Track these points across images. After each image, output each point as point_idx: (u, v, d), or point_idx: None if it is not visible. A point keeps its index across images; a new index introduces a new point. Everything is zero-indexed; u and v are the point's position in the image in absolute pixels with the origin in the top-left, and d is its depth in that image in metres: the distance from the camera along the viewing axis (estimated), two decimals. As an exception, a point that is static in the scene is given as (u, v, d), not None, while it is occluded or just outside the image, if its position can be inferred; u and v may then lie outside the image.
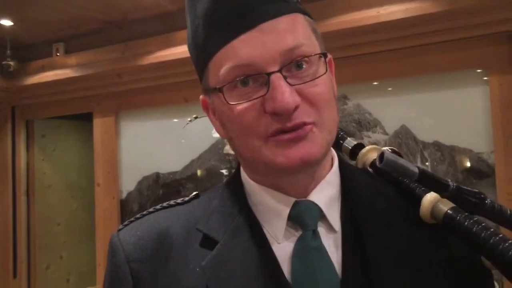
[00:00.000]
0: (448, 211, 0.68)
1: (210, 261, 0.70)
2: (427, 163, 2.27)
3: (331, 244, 0.72)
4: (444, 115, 2.26)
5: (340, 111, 2.50)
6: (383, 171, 0.81)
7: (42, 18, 3.15)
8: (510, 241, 0.59)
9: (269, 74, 0.65)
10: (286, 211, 0.72)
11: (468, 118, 2.24)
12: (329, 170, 0.76)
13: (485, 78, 2.23)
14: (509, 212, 0.54)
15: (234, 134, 0.71)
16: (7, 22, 3.20)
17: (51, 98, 3.55)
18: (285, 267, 0.70)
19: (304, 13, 0.73)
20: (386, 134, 2.39)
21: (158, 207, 0.80)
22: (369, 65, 2.41)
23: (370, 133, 2.42)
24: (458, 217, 0.66)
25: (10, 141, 3.77)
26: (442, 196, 0.55)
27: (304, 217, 0.72)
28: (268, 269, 0.69)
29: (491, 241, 0.61)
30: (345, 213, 0.74)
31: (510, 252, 0.60)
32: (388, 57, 2.36)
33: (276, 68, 0.66)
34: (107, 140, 3.35)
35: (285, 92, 0.65)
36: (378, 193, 0.76)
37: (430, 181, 0.53)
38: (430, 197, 0.72)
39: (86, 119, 3.59)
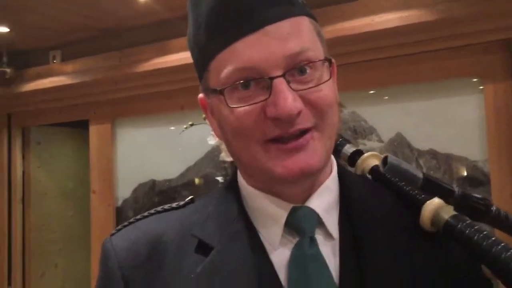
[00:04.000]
0: (449, 219, 0.66)
1: (205, 268, 0.69)
2: (422, 171, 2.27)
3: (329, 252, 0.71)
4: (440, 123, 2.27)
5: (336, 119, 2.51)
6: (383, 178, 0.81)
7: (39, 25, 3.15)
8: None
9: (272, 78, 0.65)
10: (284, 217, 0.71)
11: (463, 126, 2.24)
12: (328, 176, 0.76)
13: (480, 87, 2.24)
14: None
15: (232, 137, 0.70)
16: (3, 29, 3.20)
17: (47, 105, 3.55)
18: (282, 275, 0.69)
19: (310, 16, 0.72)
20: (382, 141, 2.40)
21: (152, 211, 0.80)
22: (364, 73, 2.42)
23: (365, 141, 2.43)
24: (459, 225, 0.65)
25: (6, 148, 3.75)
26: (447, 202, 0.55)
27: (301, 224, 0.71)
28: (265, 277, 0.68)
29: (493, 250, 0.60)
30: (344, 220, 0.74)
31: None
32: (384, 65, 2.37)
33: (279, 73, 0.65)
34: (103, 147, 3.34)
35: (287, 98, 0.64)
36: (377, 200, 0.76)
37: (434, 187, 0.53)
38: (430, 205, 0.70)
39: (82, 126, 3.58)
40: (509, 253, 0.57)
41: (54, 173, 4.05)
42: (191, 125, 2.67)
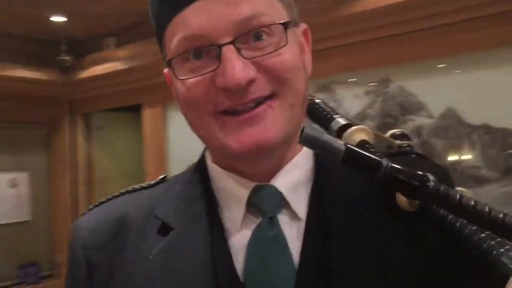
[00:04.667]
0: None
1: (162, 248, 0.66)
2: (475, 147, 2.11)
3: (294, 233, 0.65)
4: (494, 96, 2.08)
5: (382, 95, 2.38)
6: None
7: (94, 13, 3.26)
8: (486, 233, 0.52)
9: (221, 46, 0.60)
10: (245, 196, 0.66)
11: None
12: (299, 152, 0.70)
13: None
14: (458, 197, 0.46)
15: (186, 110, 0.67)
16: (60, 19, 3.34)
17: (104, 91, 3.68)
18: (240, 257, 0.65)
19: None
20: (431, 117, 2.24)
21: (123, 191, 0.78)
22: (411, 44, 2.26)
23: (413, 117, 2.28)
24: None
25: (68, 134, 3.95)
26: (374, 176, 0.48)
27: (262, 203, 0.66)
28: (220, 260, 0.64)
29: (466, 231, 0.54)
30: (315, 199, 0.67)
31: (485, 244, 0.52)
32: (432, 34, 2.21)
33: (228, 40, 0.60)
34: (155, 130, 3.41)
35: (235, 67, 0.59)
36: (354, 178, 0.67)
37: (358, 160, 0.46)
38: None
39: (140, 110, 3.69)
40: (482, 235, 0.50)
41: (115, 156, 4.22)
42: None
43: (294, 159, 0.69)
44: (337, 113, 0.83)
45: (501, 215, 0.44)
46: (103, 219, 0.72)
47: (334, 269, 0.62)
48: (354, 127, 0.77)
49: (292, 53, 0.64)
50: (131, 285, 0.66)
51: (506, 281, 0.43)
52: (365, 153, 0.46)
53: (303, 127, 0.48)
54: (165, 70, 0.72)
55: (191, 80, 0.63)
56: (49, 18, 3.31)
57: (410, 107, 2.30)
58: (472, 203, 0.45)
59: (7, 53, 3.50)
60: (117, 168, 4.23)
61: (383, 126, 2.36)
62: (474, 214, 0.45)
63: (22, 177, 3.94)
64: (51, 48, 3.66)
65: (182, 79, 0.63)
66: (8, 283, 3.73)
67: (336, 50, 2.49)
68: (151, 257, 0.66)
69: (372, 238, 0.63)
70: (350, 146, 0.45)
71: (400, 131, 1.02)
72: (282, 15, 0.65)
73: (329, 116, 0.82)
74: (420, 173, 0.45)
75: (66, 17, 3.35)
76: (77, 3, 3.08)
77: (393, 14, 2.24)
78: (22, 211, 3.90)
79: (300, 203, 0.67)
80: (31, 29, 3.50)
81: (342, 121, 0.80)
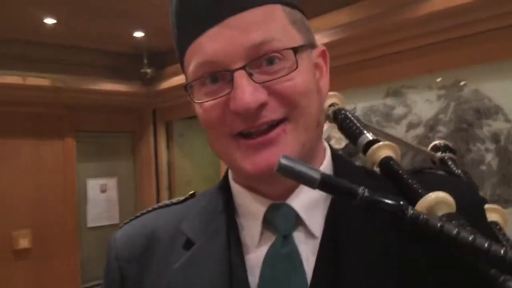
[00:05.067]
0: (445, 216, 0.60)
1: (184, 262, 0.71)
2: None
3: (309, 251, 0.67)
4: None
5: (455, 99, 2.27)
6: (390, 169, 0.73)
7: (169, 27, 3.42)
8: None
9: (233, 71, 0.63)
10: (261, 214, 0.69)
11: None
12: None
13: None
14: (439, 225, 0.44)
15: (207, 131, 0.70)
16: (140, 34, 3.55)
17: (183, 100, 3.83)
18: (256, 273, 0.68)
19: (284, 3, 0.68)
20: (510, 121, 2.10)
21: (156, 206, 0.83)
22: (486, 45, 2.14)
23: (490, 121, 2.15)
24: (445, 226, 0.57)
25: (152, 141, 4.18)
26: (354, 203, 0.48)
27: (277, 222, 0.69)
28: (236, 275, 0.68)
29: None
30: (331, 217, 0.69)
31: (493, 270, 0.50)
32: (509, 34, 2.07)
33: (240, 65, 0.63)
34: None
35: (245, 92, 0.62)
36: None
37: (333, 187, 0.47)
38: (424, 200, 0.63)
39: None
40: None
41: (195, 161, 4.39)
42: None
43: None
44: (366, 129, 0.83)
45: (486, 244, 0.43)
46: (135, 233, 0.79)
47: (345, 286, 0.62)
48: (380, 143, 0.77)
49: (303, 77, 0.66)
50: None
51: None
52: (341, 181, 0.46)
53: (280, 157, 0.50)
54: None
55: (207, 104, 0.66)
56: (132, 34, 3.54)
57: (486, 111, 2.17)
58: (455, 231, 0.44)
59: (96, 68, 3.79)
60: (197, 172, 4.40)
61: (457, 132, 2.25)
62: (456, 242, 0.44)
63: (111, 182, 4.24)
64: (134, 62, 3.91)
65: (197, 102, 0.67)
66: (101, 281, 4.01)
67: (406, 53, 2.42)
68: (174, 270, 0.71)
69: (386, 256, 0.63)
70: (325, 174, 0.46)
71: (443, 143, 0.99)
72: (295, 40, 0.67)
73: (358, 131, 0.82)
74: (395, 202, 0.45)
75: (144, 32, 3.55)
76: (157, 19, 3.27)
77: (466, 13, 2.13)
78: (111, 214, 4.19)
79: (315, 221, 0.68)
80: (116, 45, 3.76)
81: (369, 137, 0.80)
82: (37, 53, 3.42)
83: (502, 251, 0.45)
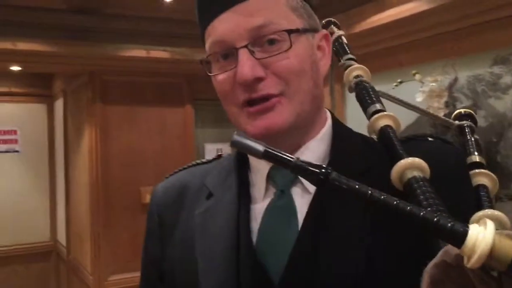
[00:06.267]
0: (411, 178, 0.67)
1: (203, 210, 0.87)
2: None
3: (304, 204, 0.78)
4: None
5: None
6: (385, 139, 0.79)
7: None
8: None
9: (238, 49, 0.76)
10: (266, 171, 0.82)
11: None
12: (313, 137, 0.82)
13: None
14: (357, 186, 0.52)
15: (221, 101, 0.83)
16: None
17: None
18: (259, 222, 0.80)
19: None
20: None
21: (190, 164, 1.00)
22: None
23: None
24: (415, 185, 0.66)
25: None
26: (289, 170, 0.57)
27: (277, 178, 0.81)
28: (242, 223, 0.81)
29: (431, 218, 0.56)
30: None
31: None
32: None
33: (243, 43, 0.75)
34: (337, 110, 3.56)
35: (244, 66, 0.74)
36: (364, 159, 0.80)
37: (273, 157, 0.56)
38: (399, 163, 0.70)
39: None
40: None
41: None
42: (400, 82, 2.64)
43: (308, 144, 0.82)
44: (378, 100, 0.89)
45: (408, 208, 0.50)
46: (171, 185, 0.96)
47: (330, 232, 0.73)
48: (380, 113, 0.84)
49: (299, 57, 0.77)
50: (184, 236, 0.88)
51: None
52: (278, 153, 0.56)
53: (234, 134, 0.61)
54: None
55: (220, 76, 0.80)
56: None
57: None
58: (369, 192, 0.52)
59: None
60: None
61: None
62: (377, 203, 0.52)
63: (226, 147, 4.56)
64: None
65: (211, 74, 0.81)
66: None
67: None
68: (196, 215, 0.87)
69: (364, 214, 0.72)
70: (267, 148, 0.56)
71: (467, 111, 1.01)
72: (293, 24, 0.77)
73: (370, 101, 0.89)
74: (319, 170, 0.54)
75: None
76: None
77: None
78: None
79: None
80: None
81: (377, 107, 0.87)
82: (158, 28, 3.77)
83: (434, 218, 0.50)
